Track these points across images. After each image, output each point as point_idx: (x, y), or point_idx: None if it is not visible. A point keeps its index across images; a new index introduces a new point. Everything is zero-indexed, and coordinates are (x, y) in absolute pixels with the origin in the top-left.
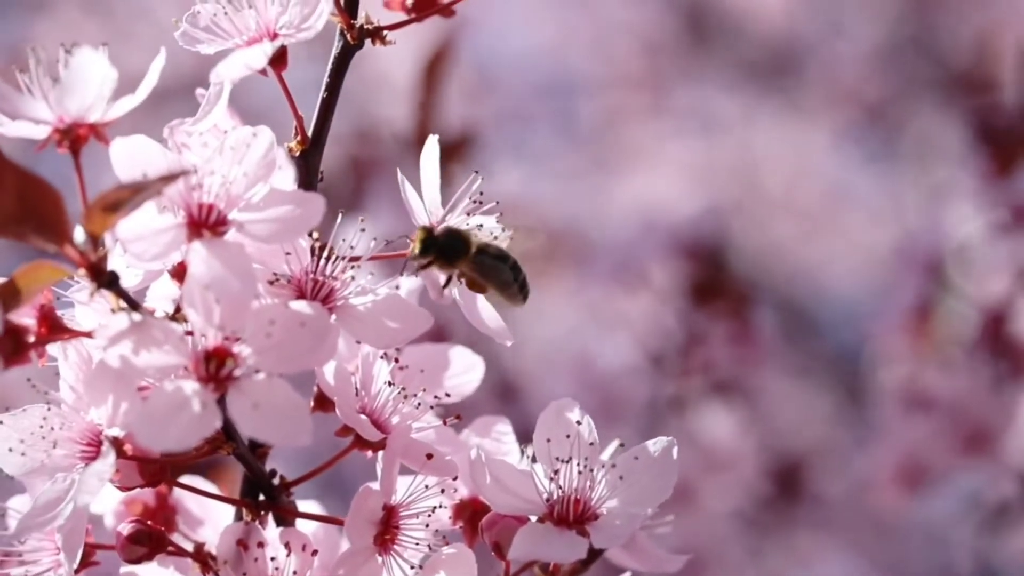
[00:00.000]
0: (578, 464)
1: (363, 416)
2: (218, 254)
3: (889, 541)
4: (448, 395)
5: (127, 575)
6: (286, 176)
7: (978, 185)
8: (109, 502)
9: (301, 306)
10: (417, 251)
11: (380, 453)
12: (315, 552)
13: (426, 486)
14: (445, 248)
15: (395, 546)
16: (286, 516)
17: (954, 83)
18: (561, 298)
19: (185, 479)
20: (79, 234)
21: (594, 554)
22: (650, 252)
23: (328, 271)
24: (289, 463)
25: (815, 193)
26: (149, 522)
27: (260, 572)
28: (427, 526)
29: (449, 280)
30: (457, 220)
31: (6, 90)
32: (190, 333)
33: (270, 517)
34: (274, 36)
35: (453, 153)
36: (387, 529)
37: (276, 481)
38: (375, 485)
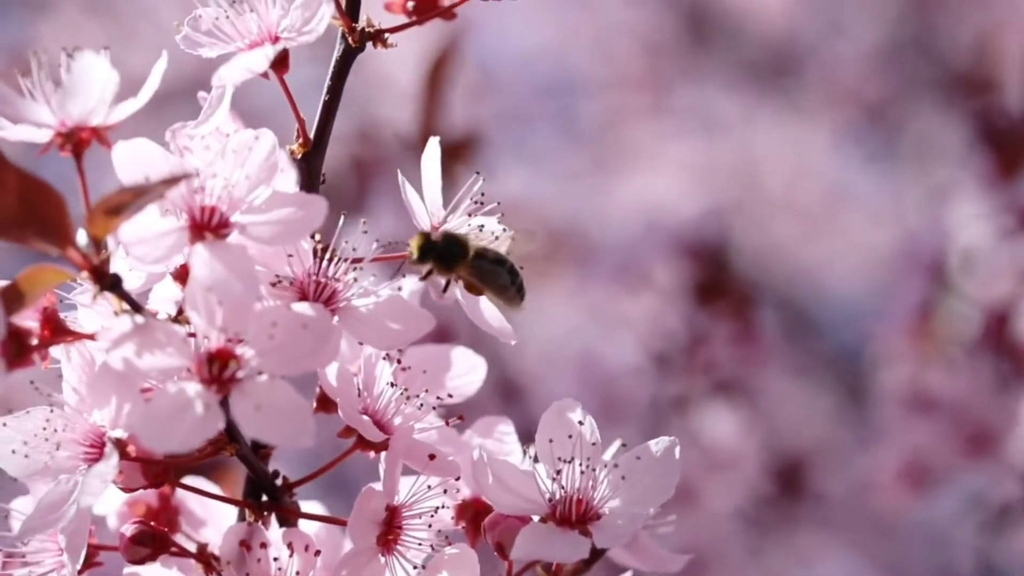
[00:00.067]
0: (580, 464)
1: (365, 417)
2: (220, 256)
3: (890, 540)
4: (451, 396)
5: None
6: (288, 179)
7: (981, 187)
8: (112, 503)
9: (303, 308)
10: (415, 257)
11: (383, 454)
12: (318, 552)
13: (428, 486)
14: (443, 253)
15: (398, 546)
16: (289, 517)
17: (954, 83)
18: (563, 298)
19: (187, 480)
20: (81, 237)
21: (596, 554)
22: (653, 252)
23: (330, 273)
24: (291, 464)
25: (815, 193)
26: (152, 523)
27: (263, 573)
28: (430, 526)
29: (449, 283)
30: (458, 221)
31: (8, 94)
32: (193, 335)
33: (273, 518)
34: (276, 39)
35: (457, 154)
36: (390, 529)
37: (279, 482)
38: (378, 486)
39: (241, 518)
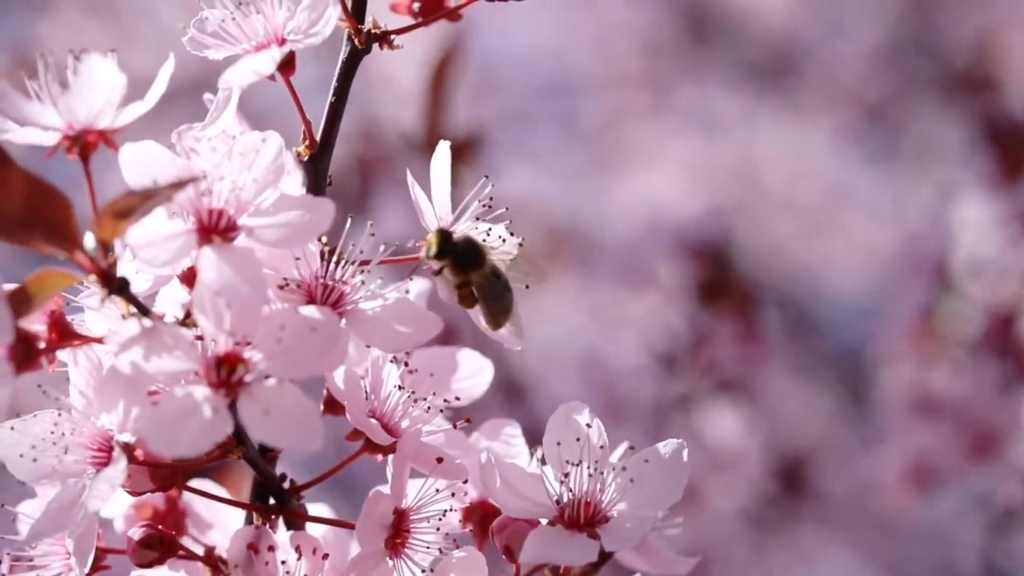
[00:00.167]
0: (588, 467)
1: (373, 420)
2: (228, 259)
3: (891, 540)
4: (458, 398)
5: None
6: (294, 181)
7: (985, 188)
8: (119, 506)
9: (311, 311)
10: (433, 252)
11: (390, 457)
12: (326, 556)
13: (436, 489)
14: (461, 256)
15: (406, 549)
16: (296, 520)
17: (955, 83)
18: (566, 298)
19: (193, 482)
20: (89, 240)
21: (605, 557)
22: (655, 252)
23: (338, 276)
24: (296, 466)
25: (815, 192)
26: (160, 526)
27: None
28: (438, 529)
29: (463, 285)
30: (466, 225)
31: (15, 97)
32: (200, 338)
33: (280, 521)
34: (282, 41)
35: (460, 154)
36: (398, 533)
37: (286, 485)
38: (385, 489)
39: (248, 521)
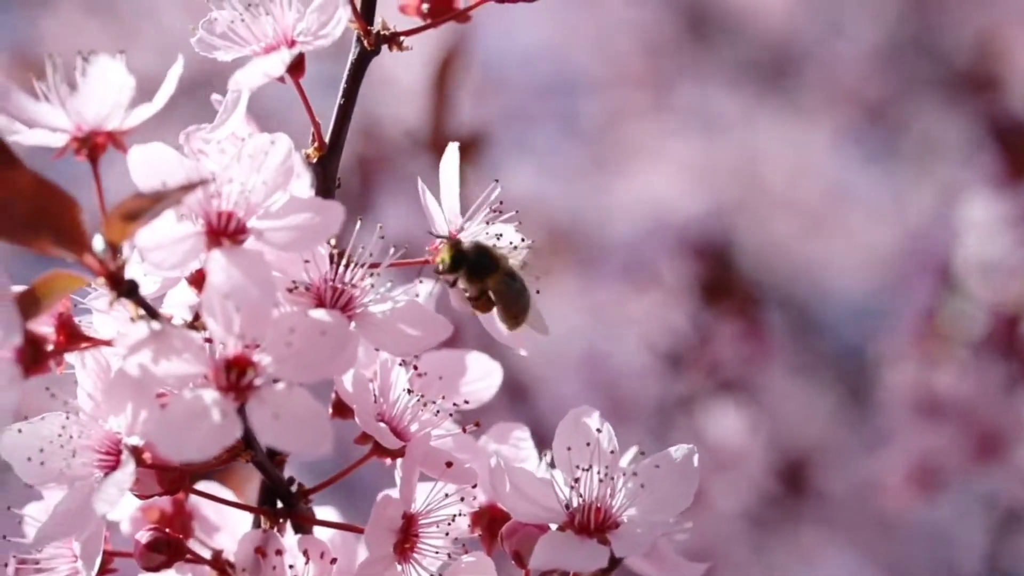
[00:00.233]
0: (598, 472)
1: (383, 424)
2: (237, 262)
3: (892, 540)
4: (467, 402)
5: None
6: (303, 183)
7: (989, 187)
8: (126, 509)
9: (321, 314)
10: (447, 266)
11: (399, 461)
12: (334, 560)
13: (445, 494)
14: (475, 265)
15: (414, 554)
16: (304, 524)
17: (955, 82)
18: (568, 298)
19: (198, 485)
20: (97, 242)
21: (615, 562)
22: (658, 252)
23: (347, 278)
24: (301, 469)
25: (816, 192)
26: (167, 529)
27: None
28: (447, 534)
29: (481, 293)
30: (476, 228)
31: (22, 98)
32: (209, 341)
33: (288, 524)
34: (292, 43)
35: (464, 154)
36: (407, 537)
37: (294, 488)
38: (394, 493)
39: (256, 525)
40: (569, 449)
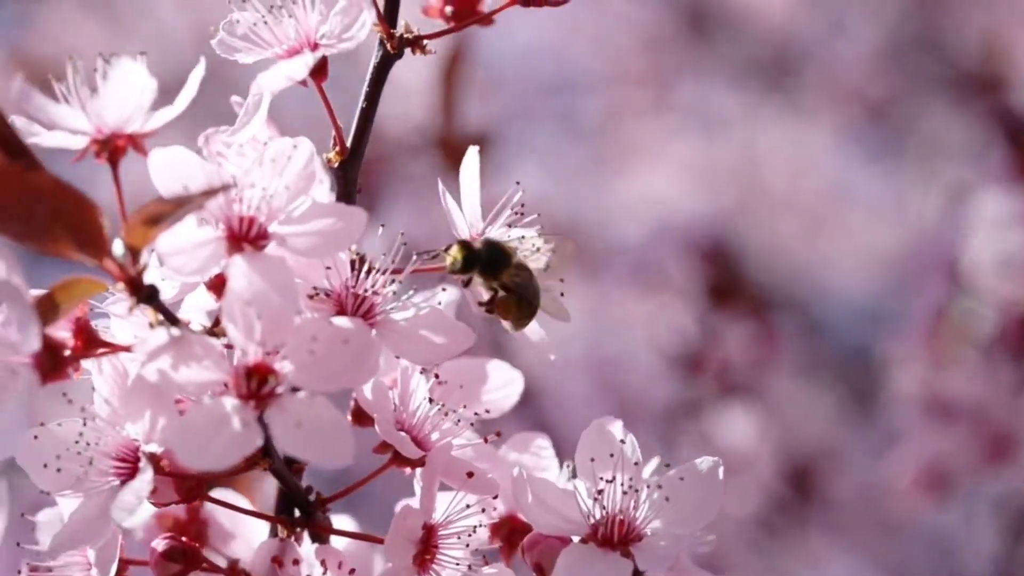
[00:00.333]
0: (622, 483)
1: (403, 433)
2: (259, 268)
3: (900, 543)
4: (488, 411)
5: None
6: (323, 187)
7: (999, 186)
8: (141, 516)
9: (344, 322)
10: (459, 266)
11: (418, 471)
12: (352, 571)
13: (467, 505)
14: (488, 262)
15: (434, 566)
16: (322, 533)
17: (959, 82)
18: (574, 299)
19: (212, 492)
20: (117, 247)
21: None
22: (666, 254)
23: (368, 285)
24: (314, 477)
25: (817, 192)
26: (183, 538)
27: None
28: (467, 546)
29: (495, 293)
30: (498, 232)
31: (42, 100)
32: (229, 347)
33: (305, 534)
34: (315, 46)
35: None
36: (427, 548)
37: (312, 497)
38: (414, 503)
39: (273, 534)
40: (592, 460)
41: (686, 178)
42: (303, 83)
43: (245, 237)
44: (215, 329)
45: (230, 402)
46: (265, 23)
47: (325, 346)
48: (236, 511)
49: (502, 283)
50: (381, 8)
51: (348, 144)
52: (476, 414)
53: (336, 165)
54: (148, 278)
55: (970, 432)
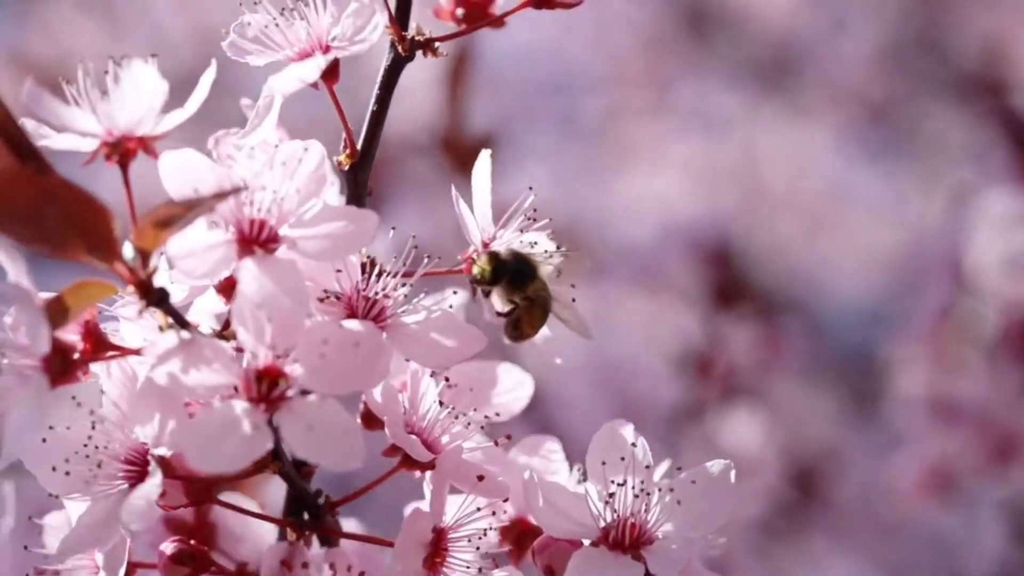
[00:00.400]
0: (633, 487)
1: (414, 436)
2: (269, 271)
3: (903, 545)
4: (498, 414)
5: None
6: (333, 190)
7: (1003, 187)
8: (149, 519)
9: (354, 325)
10: (488, 277)
11: (428, 474)
12: (362, 574)
13: (477, 508)
14: (516, 275)
15: (444, 568)
16: (331, 536)
17: (959, 82)
18: (577, 301)
19: (223, 496)
20: (127, 250)
21: None
22: (669, 256)
23: (379, 288)
24: (321, 478)
25: (818, 193)
26: (191, 541)
27: None
28: (477, 548)
29: (516, 307)
30: (510, 236)
31: (52, 102)
32: (239, 350)
33: (314, 537)
34: (327, 49)
35: (474, 157)
36: (436, 551)
37: (321, 501)
38: (423, 506)
39: (282, 537)
40: (603, 463)
41: (686, 179)
42: (314, 86)
43: (256, 240)
44: (225, 332)
45: (240, 405)
46: (276, 25)
47: (336, 349)
48: (245, 514)
49: (525, 295)
50: (392, 11)
51: (359, 147)
52: (486, 417)
53: (347, 168)
54: (158, 281)
55: (973, 434)
